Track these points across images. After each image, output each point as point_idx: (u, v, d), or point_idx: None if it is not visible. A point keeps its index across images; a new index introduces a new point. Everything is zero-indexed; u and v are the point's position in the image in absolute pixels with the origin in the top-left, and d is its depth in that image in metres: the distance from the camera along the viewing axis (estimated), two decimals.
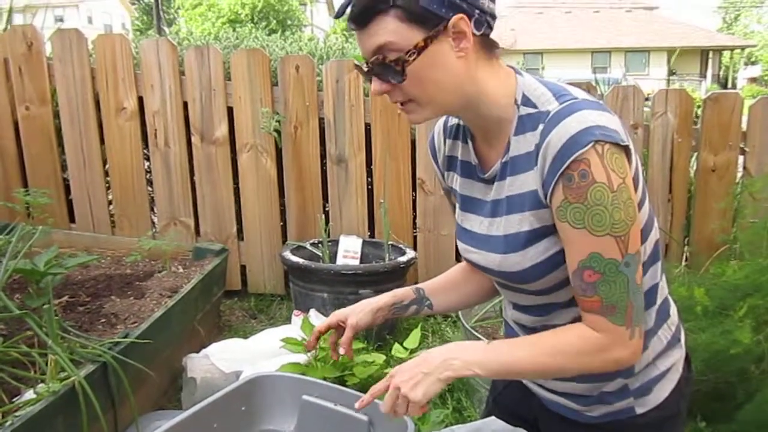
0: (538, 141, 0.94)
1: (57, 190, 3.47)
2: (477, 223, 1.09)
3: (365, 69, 0.98)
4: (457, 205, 1.16)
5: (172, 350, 2.41)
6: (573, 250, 0.94)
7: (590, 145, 0.89)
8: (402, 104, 1.00)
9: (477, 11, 0.94)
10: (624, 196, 0.90)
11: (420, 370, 0.98)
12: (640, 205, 0.98)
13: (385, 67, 0.95)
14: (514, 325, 1.18)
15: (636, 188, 0.96)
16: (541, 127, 0.94)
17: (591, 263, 0.92)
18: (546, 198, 0.95)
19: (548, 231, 0.97)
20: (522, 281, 1.03)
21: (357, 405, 1.08)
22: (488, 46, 1.00)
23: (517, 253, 1.00)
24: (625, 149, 0.92)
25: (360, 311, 1.24)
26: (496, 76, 1.00)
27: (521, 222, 0.99)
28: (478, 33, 0.95)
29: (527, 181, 0.98)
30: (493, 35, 1.01)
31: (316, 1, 34.13)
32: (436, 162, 1.22)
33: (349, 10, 0.95)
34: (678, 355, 1.13)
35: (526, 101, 0.99)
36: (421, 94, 0.97)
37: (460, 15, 0.93)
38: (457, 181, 1.15)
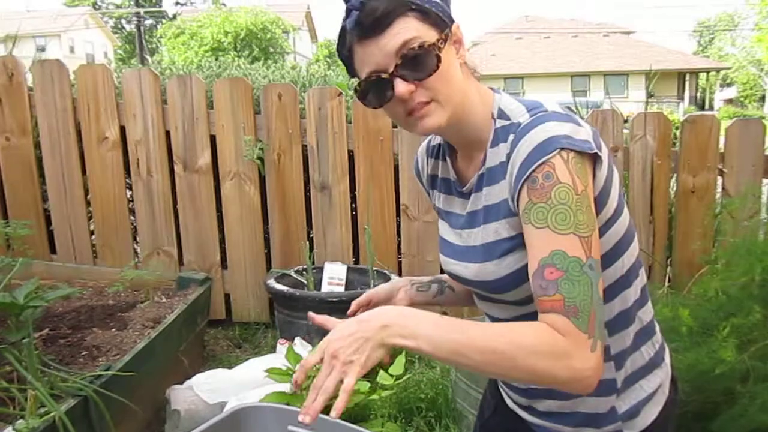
0: (508, 151, 0.98)
1: (38, 221, 3.44)
2: (456, 236, 1.13)
3: (390, 70, 0.95)
4: (440, 220, 1.20)
5: (156, 382, 2.37)
6: (535, 250, 0.92)
7: (555, 151, 0.90)
8: (425, 104, 0.97)
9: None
10: (586, 202, 0.91)
11: (359, 335, 0.89)
12: (618, 212, 1.00)
13: (418, 59, 0.95)
14: None
15: (609, 194, 0.98)
16: (511, 137, 0.98)
17: (553, 260, 0.89)
18: (514, 204, 0.96)
19: (522, 239, 0.97)
20: (498, 291, 1.04)
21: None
22: (467, 65, 1.05)
23: (492, 262, 1.02)
24: (594, 156, 0.94)
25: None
26: (477, 92, 1.05)
27: (497, 231, 1.01)
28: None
29: (501, 191, 1.00)
30: (474, 60, 1.07)
31: (299, 29, 34.42)
32: (421, 182, 1.27)
33: (365, 18, 0.94)
34: (663, 376, 1.13)
35: (501, 114, 1.03)
36: (446, 89, 0.98)
37: (457, 24, 1.00)
38: (439, 198, 1.20)
